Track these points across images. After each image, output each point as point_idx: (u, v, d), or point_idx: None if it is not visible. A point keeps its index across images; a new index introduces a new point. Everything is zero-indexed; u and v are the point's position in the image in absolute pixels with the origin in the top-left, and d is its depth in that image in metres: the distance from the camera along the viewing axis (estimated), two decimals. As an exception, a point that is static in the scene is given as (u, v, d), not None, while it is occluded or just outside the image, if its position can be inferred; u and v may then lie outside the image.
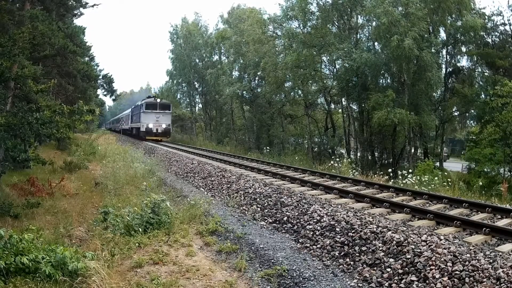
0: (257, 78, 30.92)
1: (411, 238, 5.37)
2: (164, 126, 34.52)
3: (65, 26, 15.52)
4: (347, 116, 24.17)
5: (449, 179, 12.43)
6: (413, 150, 21.01)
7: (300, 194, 8.65)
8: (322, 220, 6.81)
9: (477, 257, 4.64)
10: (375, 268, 5.14)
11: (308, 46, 22.08)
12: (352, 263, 5.44)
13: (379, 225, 6.04)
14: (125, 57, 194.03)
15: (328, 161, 18.18)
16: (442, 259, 4.71)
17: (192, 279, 5.07)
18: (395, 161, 22.06)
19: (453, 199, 8.32)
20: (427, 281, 4.51)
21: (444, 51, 23.08)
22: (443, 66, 22.93)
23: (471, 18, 20.19)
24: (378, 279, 4.86)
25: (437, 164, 20.29)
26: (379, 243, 5.55)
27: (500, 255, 4.82)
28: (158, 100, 35.70)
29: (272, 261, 5.63)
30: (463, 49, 23.46)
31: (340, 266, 5.44)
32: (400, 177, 13.11)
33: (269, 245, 6.31)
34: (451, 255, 4.75)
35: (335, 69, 24.21)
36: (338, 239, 6.06)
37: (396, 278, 4.77)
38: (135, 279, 4.96)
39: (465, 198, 9.27)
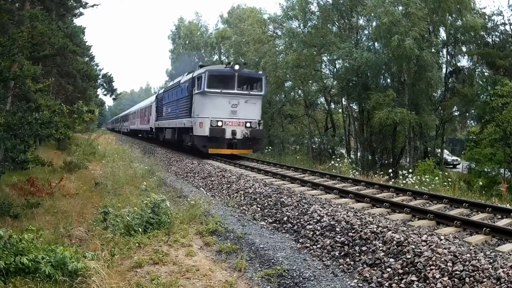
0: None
1: (411, 238, 5.36)
2: (249, 124, 15.71)
3: (65, 26, 15.52)
4: (347, 116, 24.20)
5: (449, 179, 12.43)
6: (413, 150, 21.02)
7: (300, 194, 8.65)
8: (322, 220, 6.80)
9: (477, 257, 4.64)
10: (375, 268, 5.14)
11: (309, 46, 22.10)
12: (352, 263, 5.43)
13: (379, 225, 6.03)
14: (125, 57, 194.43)
15: (328, 161, 18.19)
16: (442, 259, 4.70)
17: (192, 279, 5.06)
18: (395, 161, 22.09)
19: (453, 199, 8.31)
20: (427, 281, 4.50)
21: (444, 51, 23.09)
22: (443, 66, 22.94)
23: (471, 18, 20.21)
24: (378, 279, 4.85)
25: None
26: (379, 243, 5.54)
27: (500, 255, 4.81)
28: (237, 67, 15.95)
29: (272, 261, 5.62)
30: (463, 49, 23.48)
31: (340, 266, 5.43)
32: (400, 177, 13.11)
33: (269, 245, 6.30)
34: (451, 255, 4.74)
35: (335, 69, 24.23)
36: (338, 239, 6.06)
37: (396, 278, 4.77)
38: (135, 279, 4.96)
39: (465, 198, 9.26)
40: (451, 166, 28.54)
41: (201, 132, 15.41)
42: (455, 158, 29.94)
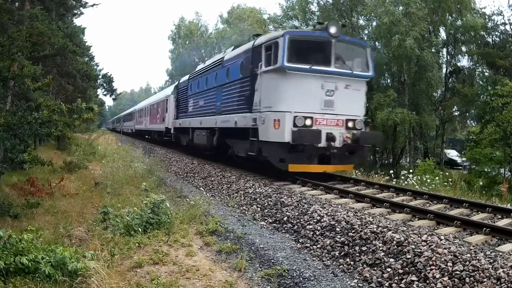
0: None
1: (412, 238, 5.36)
2: (351, 123, 9.71)
3: (65, 25, 15.53)
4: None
5: (449, 179, 12.42)
6: (413, 150, 21.04)
7: (300, 194, 8.64)
8: (322, 220, 6.79)
9: (478, 257, 4.63)
10: (375, 268, 5.13)
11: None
12: (352, 263, 5.42)
13: (379, 225, 6.03)
14: (125, 57, 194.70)
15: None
16: (442, 259, 4.69)
17: (192, 279, 5.06)
18: (395, 161, 22.10)
19: (453, 199, 8.30)
20: (428, 281, 4.50)
21: (444, 51, 23.11)
22: (444, 66, 22.96)
23: (471, 18, 20.24)
24: (379, 279, 4.85)
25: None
26: (379, 243, 5.53)
27: (501, 255, 4.81)
28: (333, 29, 9.39)
29: (272, 261, 5.62)
30: (464, 49, 23.50)
31: (340, 266, 5.42)
32: (402, 177, 13.09)
33: (269, 245, 6.29)
34: (451, 255, 4.73)
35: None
36: (338, 239, 6.05)
37: (397, 278, 4.76)
38: (135, 279, 4.95)
39: (466, 198, 9.24)
40: (461, 168, 26.49)
41: (276, 137, 9.28)
42: (465, 159, 28.83)
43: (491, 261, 4.55)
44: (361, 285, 4.85)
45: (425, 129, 21.55)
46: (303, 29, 10.32)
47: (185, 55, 42.03)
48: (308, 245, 6.24)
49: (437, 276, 4.49)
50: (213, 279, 5.07)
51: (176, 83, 21.33)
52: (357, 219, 6.45)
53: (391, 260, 5.11)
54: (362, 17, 23.46)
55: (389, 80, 23.00)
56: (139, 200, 8.53)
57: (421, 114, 19.51)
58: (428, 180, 11.92)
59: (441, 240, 5.26)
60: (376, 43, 21.91)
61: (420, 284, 4.52)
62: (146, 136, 29.70)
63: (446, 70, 22.99)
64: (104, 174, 13.76)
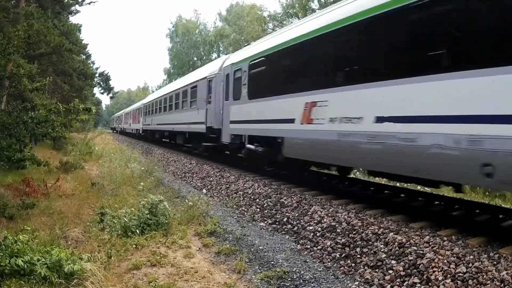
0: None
1: (414, 240, 5.29)
2: None
3: (61, 23, 15.39)
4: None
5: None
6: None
7: (300, 195, 8.56)
8: (322, 221, 6.72)
9: (481, 259, 4.57)
10: (377, 270, 5.06)
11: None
12: (353, 265, 5.35)
13: (381, 226, 5.96)
14: (122, 56, 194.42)
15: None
16: (445, 261, 4.63)
17: (190, 281, 4.98)
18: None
19: (456, 199, 8.24)
20: (430, 283, 4.43)
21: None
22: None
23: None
24: (380, 281, 4.78)
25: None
26: (381, 244, 5.47)
27: (504, 257, 4.75)
28: None
29: (272, 262, 5.55)
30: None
31: (341, 268, 5.35)
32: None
33: (269, 246, 6.22)
34: (454, 257, 4.67)
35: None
36: (339, 241, 5.98)
37: (399, 280, 4.69)
38: (132, 281, 4.87)
39: (469, 198, 9.19)
40: None
41: None
42: None
43: (495, 263, 4.49)
44: (362, 287, 4.78)
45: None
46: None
47: (183, 54, 41.86)
48: (309, 246, 6.16)
49: (440, 278, 4.43)
50: (212, 281, 5.00)
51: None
52: (358, 220, 6.38)
53: (393, 261, 5.04)
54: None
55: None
56: (136, 200, 8.44)
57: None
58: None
59: (444, 241, 5.20)
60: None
61: (422, 287, 4.45)
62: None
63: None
64: (101, 174, 13.65)
